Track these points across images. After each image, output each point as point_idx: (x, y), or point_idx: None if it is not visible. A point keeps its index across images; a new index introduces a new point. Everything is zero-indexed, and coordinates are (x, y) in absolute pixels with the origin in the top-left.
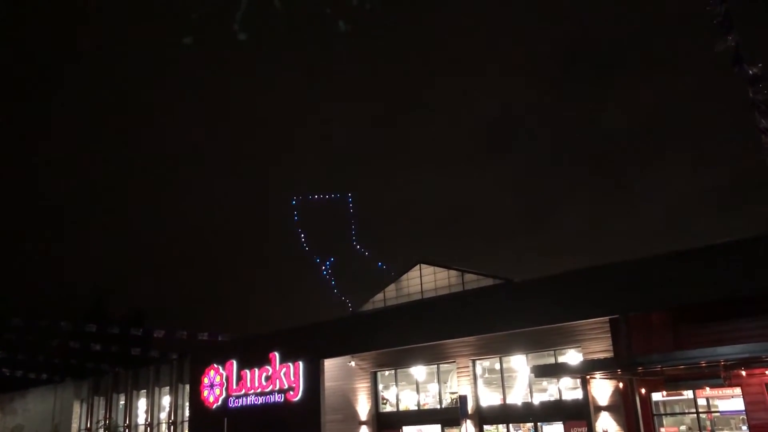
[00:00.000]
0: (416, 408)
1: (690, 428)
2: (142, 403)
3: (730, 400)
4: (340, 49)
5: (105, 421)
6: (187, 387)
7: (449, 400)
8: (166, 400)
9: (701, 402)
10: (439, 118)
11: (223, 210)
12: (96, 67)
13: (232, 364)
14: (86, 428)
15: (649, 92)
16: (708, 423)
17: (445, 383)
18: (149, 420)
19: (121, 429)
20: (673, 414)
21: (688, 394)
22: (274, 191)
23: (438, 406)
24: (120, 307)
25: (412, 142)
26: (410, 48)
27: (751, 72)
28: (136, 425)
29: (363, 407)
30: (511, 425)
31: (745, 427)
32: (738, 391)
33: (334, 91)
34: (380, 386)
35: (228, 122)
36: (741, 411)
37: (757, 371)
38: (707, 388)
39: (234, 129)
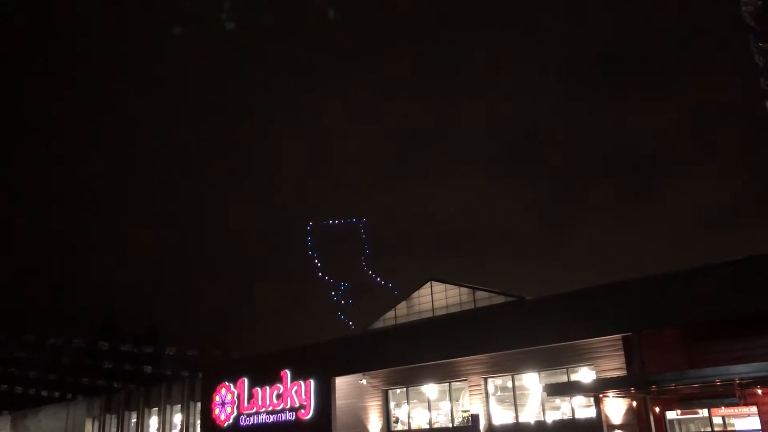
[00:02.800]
0: (428, 427)
1: None
2: (153, 421)
3: (747, 419)
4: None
5: None
6: (199, 405)
7: (461, 419)
8: (177, 418)
9: (717, 420)
10: (457, 130)
11: (236, 230)
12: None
13: (243, 382)
14: None
15: (676, 101)
16: None
17: (457, 401)
18: None
19: None
20: None
21: (703, 412)
22: (288, 211)
23: (450, 425)
24: (132, 325)
25: (428, 156)
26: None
27: None
28: None
29: (374, 426)
30: None
31: None
32: (753, 409)
33: (350, 108)
34: (392, 404)
35: (241, 145)
36: (756, 430)
37: None
38: (722, 407)
39: (249, 152)
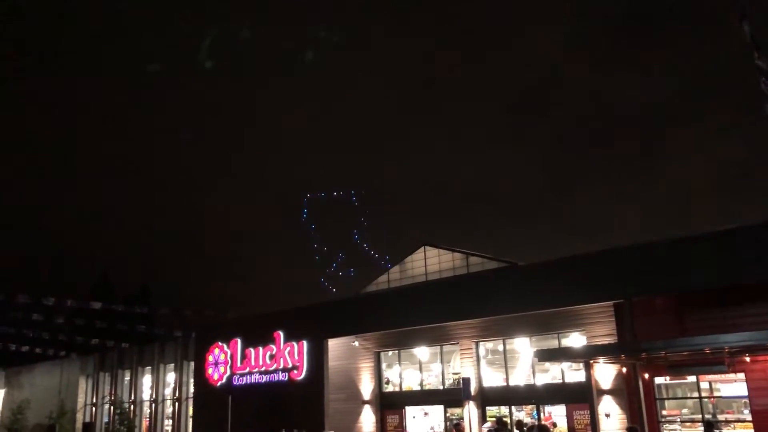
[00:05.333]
0: (419, 388)
1: (692, 412)
2: (147, 380)
3: (733, 385)
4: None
5: (110, 396)
6: (192, 364)
7: (452, 381)
8: (170, 377)
9: (704, 386)
10: (459, 92)
11: (230, 191)
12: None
13: (236, 343)
14: (92, 403)
15: (685, 64)
16: (710, 407)
17: (448, 363)
18: (154, 396)
19: (126, 405)
20: (675, 398)
21: (691, 378)
22: (282, 169)
23: (441, 387)
24: (126, 284)
25: (428, 118)
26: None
27: None
28: (141, 401)
29: (366, 387)
30: (513, 407)
31: (746, 411)
32: (741, 375)
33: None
34: (383, 366)
35: (230, 112)
36: (743, 396)
37: (761, 358)
38: (711, 375)
39: (240, 119)
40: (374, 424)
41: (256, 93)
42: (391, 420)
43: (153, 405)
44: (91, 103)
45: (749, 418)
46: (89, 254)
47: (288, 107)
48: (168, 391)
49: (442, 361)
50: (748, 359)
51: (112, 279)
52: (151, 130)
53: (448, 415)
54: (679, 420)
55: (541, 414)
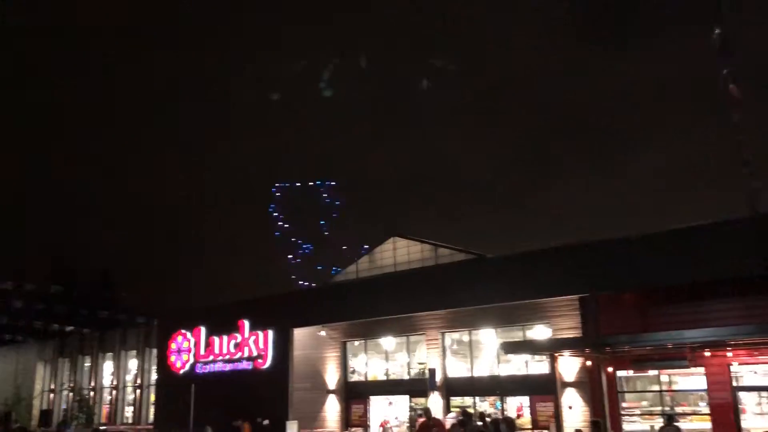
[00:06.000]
0: (384, 378)
1: (651, 404)
2: (108, 366)
3: (690, 378)
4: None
5: (69, 383)
6: (155, 351)
7: (417, 371)
8: (132, 364)
9: (663, 378)
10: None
11: (201, 180)
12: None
13: (200, 330)
14: (50, 390)
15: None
16: (668, 399)
17: (414, 354)
18: (115, 383)
19: (86, 391)
20: (636, 391)
21: (652, 372)
22: (261, 159)
23: (406, 377)
24: (86, 271)
25: (402, 108)
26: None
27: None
28: (102, 388)
29: (332, 376)
30: (477, 397)
31: (703, 404)
32: (700, 370)
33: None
34: (349, 355)
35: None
36: (701, 389)
37: (719, 353)
38: (672, 369)
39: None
40: (339, 414)
41: (231, 81)
42: (356, 409)
43: (114, 392)
44: (46, 78)
45: (705, 410)
46: (48, 240)
47: (261, 96)
48: (129, 378)
49: (408, 351)
50: (708, 354)
51: (71, 265)
52: (114, 116)
53: (412, 404)
54: (638, 412)
55: (505, 405)
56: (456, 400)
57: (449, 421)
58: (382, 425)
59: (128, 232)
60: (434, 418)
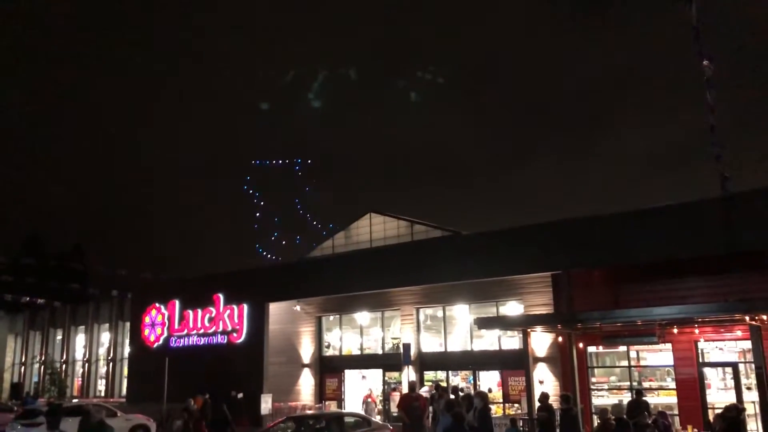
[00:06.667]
0: (359, 352)
1: (619, 379)
2: (80, 339)
3: (658, 354)
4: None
5: (41, 356)
6: (128, 325)
7: (391, 345)
8: (105, 337)
9: (632, 354)
10: (415, 57)
11: (175, 151)
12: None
13: (174, 304)
14: (21, 362)
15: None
16: (636, 375)
17: (388, 329)
18: (87, 356)
19: (58, 364)
20: (605, 366)
21: (622, 348)
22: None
23: (380, 351)
24: (58, 243)
25: (379, 81)
26: None
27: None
28: (74, 361)
29: (306, 350)
30: (450, 372)
31: (669, 379)
32: (667, 346)
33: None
34: (324, 330)
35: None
36: (668, 365)
37: (687, 329)
38: (641, 345)
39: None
40: (313, 387)
41: (215, 64)
42: (330, 383)
43: (86, 365)
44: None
45: (672, 385)
46: (18, 211)
47: (237, 71)
48: (102, 351)
49: (382, 327)
50: (675, 331)
51: (43, 237)
52: (86, 83)
53: (386, 378)
54: (607, 387)
55: (477, 380)
56: (429, 375)
57: (423, 394)
58: (365, 399)
59: (102, 203)
60: (417, 393)
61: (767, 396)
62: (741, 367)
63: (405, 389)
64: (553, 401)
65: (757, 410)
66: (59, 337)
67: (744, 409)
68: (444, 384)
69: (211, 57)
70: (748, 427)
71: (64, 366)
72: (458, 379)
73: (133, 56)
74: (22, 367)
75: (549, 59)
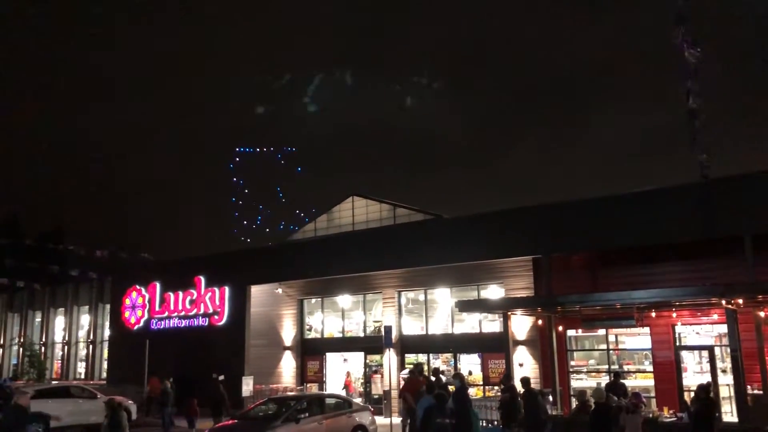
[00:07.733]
0: (340, 335)
1: (598, 363)
2: (59, 321)
3: (636, 338)
4: None
5: (19, 338)
6: (108, 307)
7: (373, 329)
8: (85, 319)
9: (611, 338)
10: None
11: (156, 132)
12: None
13: (155, 286)
14: None
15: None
16: (615, 358)
17: (370, 312)
18: (67, 338)
19: (37, 346)
20: (584, 350)
21: (601, 331)
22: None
23: (362, 334)
24: (37, 224)
25: (368, 62)
26: None
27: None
28: (53, 343)
29: (288, 333)
30: (431, 354)
31: (647, 362)
32: (646, 329)
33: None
34: (306, 313)
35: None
36: (646, 348)
37: (665, 313)
38: (620, 328)
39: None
40: (294, 370)
41: (204, 51)
42: (312, 365)
43: (66, 347)
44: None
45: (649, 368)
46: None
47: (222, 54)
48: (82, 334)
49: (364, 310)
50: (653, 315)
51: (21, 218)
52: (73, 62)
53: (367, 361)
54: (586, 370)
55: (458, 363)
56: (410, 357)
57: (404, 377)
58: (347, 383)
59: (82, 182)
60: (424, 377)
61: (741, 379)
62: (717, 350)
63: (386, 372)
64: (535, 385)
65: (732, 393)
66: (38, 320)
67: (710, 384)
68: (425, 366)
69: (191, 32)
70: (723, 410)
71: (43, 348)
72: (439, 362)
73: (109, 30)
74: (1, 350)
75: (532, 44)
